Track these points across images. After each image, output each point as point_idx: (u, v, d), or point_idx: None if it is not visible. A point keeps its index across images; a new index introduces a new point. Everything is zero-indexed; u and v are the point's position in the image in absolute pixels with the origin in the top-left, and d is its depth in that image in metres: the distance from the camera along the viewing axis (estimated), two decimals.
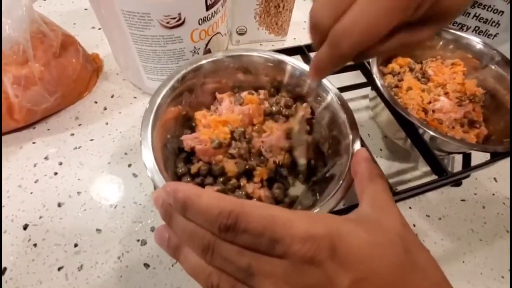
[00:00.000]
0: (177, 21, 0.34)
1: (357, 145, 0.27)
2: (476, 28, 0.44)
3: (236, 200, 0.17)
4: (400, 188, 0.32)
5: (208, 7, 0.36)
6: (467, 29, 0.44)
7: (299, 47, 0.36)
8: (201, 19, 0.36)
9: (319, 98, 0.32)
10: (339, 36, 0.18)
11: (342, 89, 0.30)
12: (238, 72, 0.33)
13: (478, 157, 0.39)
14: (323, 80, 0.30)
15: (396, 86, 0.38)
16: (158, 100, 0.27)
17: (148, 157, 0.24)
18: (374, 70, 0.34)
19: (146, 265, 0.33)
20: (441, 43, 0.40)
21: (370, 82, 0.35)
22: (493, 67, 0.38)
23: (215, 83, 0.33)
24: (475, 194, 0.42)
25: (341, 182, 0.24)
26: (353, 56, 0.19)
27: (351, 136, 0.27)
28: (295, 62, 0.32)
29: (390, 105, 0.32)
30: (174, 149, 0.31)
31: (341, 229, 0.17)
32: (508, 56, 0.38)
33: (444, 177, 0.29)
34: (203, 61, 0.31)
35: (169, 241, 0.19)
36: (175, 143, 0.31)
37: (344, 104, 0.29)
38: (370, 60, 0.35)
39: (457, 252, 0.37)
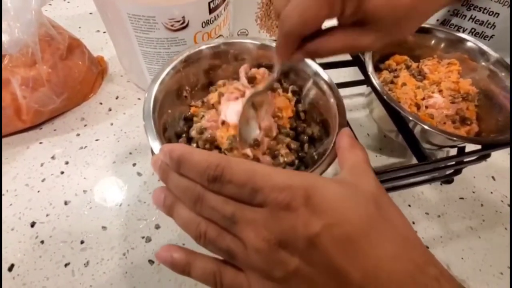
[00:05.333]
0: (181, 24, 0.35)
1: (343, 126, 0.28)
2: (473, 30, 0.45)
3: (223, 156, 0.19)
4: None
5: (211, 11, 0.37)
6: (464, 31, 0.45)
7: None
8: (204, 22, 0.37)
9: (311, 83, 0.33)
10: (283, 16, 0.21)
11: (340, 85, 0.32)
12: (235, 58, 0.34)
13: None
14: (312, 65, 0.32)
15: (392, 82, 0.39)
16: (157, 84, 0.29)
17: (152, 138, 0.26)
18: (368, 61, 0.35)
19: (151, 262, 0.33)
20: (433, 42, 0.41)
21: (365, 77, 0.37)
22: (488, 67, 0.39)
23: (214, 68, 0.34)
24: (474, 192, 0.43)
25: (325, 156, 0.26)
26: (296, 38, 0.22)
27: (338, 119, 0.29)
28: None
29: (380, 95, 0.33)
30: (174, 126, 0.32)
31: (317, 182, 0.19)
32: (504, 57, 0.38)
33: (425, 162, 0.30)
34: (201, 47, 0.32)
35: (164, 200, 0.21)
36: (175, 123, 0.32)
37: (333, 89, 0.31)
38: (367, 57, 0.36)
39: (456, 249, 0.38)
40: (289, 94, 0.33)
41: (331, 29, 0.23)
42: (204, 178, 0.19)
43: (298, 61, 0.28)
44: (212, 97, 0.32)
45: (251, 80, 0.32)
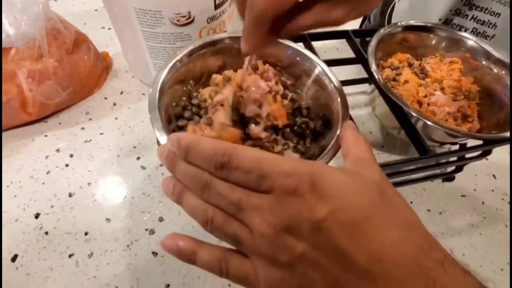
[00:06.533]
0: (187, 19, 0.36)
1: (346, 120, 0.29)
2: (474, 30, 0.45)
3: (230, 143, 0.19)
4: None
5: (216, 6, 0.37)
6: (465, 30, 0.45)
7: (302, 35, 0.38)
8: (210, 18, 0.38)
9: (313, 77, 0.33)
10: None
11: (342, 83, 0.32)
12: (239, 53, 0.34)
13: None
14: (315, 59, 0.33)
15: (394, 80, 0.40)
16: (162, 77, 0.29)
17: (158, 129, 0.26)
18: (371, 59, 0.36)
19: (154, 253, 0.33)
20: (435, 41, 0.42)
21: (368, 74, 0.37)
22: (490, 66, 0.40)
23: (218, 62, 0.34)
24: (475, 190, 0.43)
25: (328, 148, 0.27)
26: (269, 20, 0.21)
27: (341, 112, 0.29)
28: (290, 43, 0.34)
29: (383, 91, 0.34)
30: (178, 119, 0.32)
31: (323, 169, 0.19)
32: (504, 56, 0.39)
33: (426, 156, 0.31)
34: (206, 41, 0.32)
35: (173, 188, 0.21)
36: (179, 115, 0.32)
37: (335, 83, 0.31)
38: (370, 55, 0.36)
39: (457, 245, 0.38)
40: (287, 101, 0.32)
41: (300, 5, 0.22)
42: (212, 165, 0.19)
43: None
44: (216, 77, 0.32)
45: (254, 69, 0.32)
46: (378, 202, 0.19)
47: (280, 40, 0.34)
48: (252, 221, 0.18)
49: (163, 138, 0.26)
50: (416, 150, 0.32)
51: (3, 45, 0.37)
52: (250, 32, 0.22)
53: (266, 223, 0.18)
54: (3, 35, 0.37)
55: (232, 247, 0.20)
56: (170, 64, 0.31)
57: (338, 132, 0.28)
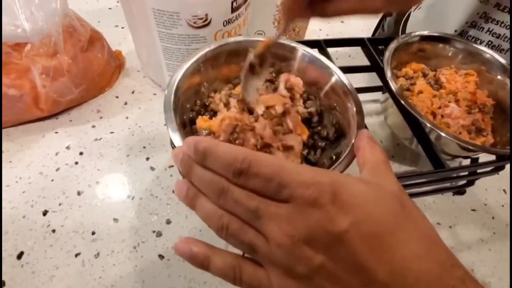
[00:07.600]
0: (204, 21, 0.36)
1: (361, 128, 0.28)
2: (489, 43, 0.45)
3: (249, 150, 0.19)
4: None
5: (233, 10, 0.37)
6: (481, 43, 0.45)
7: (317, 41, 0.38)
8: (226, 21, 0.38)
9: (326, 83, 0.33)
10: None
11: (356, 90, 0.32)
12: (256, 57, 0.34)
13: None
14: (331, 66, 0.33)
15: (408, 90, 0.39)
16: (178, 78, 0.29)
17: (173, 131, 0.26)
18: (387, 67, 0.36)
19: (161, 256, 0.33)
20: (452, 52, 0.42)
21: (383, 83, 0.37)
22: (505, 80, 0.40)
23: (233, 65, 0.34)
24: (485, 204, 0.42)
25: (343, 156, 0.26)
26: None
27: (356, 120, 0.29)
28: (307, 49, 0.34)
29: (398, 100, 0.33)
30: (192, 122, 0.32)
31: (343, 179, 0.19)
32: None
33: (443, 169, 0.30)
34: (223, 43, 0.32)
35: (187, 192, 0.20)
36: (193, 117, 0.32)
37: (351, 90, 0.31)
38: (385, 64, 0.36)
39: (466, 261, 0.37)
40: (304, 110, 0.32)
41: None
42: (230, 171, 0.18)
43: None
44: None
45: (289, 91, 0.31)
46: (399, 214, 0.18)
47: (296, 46, 0.34)
48: (269, 230, 0.18)
49: (177, 140, 0.26)
50: (430, 162, 0.32)
51: (19, 40, 0.37)
52: (287, 2, 0.25)
53: (284, 233, 0.17)
54: (19, 30, 0.37)
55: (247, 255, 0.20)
56: (186, 66, 0.30)
57: (353, 141, 0.27)
